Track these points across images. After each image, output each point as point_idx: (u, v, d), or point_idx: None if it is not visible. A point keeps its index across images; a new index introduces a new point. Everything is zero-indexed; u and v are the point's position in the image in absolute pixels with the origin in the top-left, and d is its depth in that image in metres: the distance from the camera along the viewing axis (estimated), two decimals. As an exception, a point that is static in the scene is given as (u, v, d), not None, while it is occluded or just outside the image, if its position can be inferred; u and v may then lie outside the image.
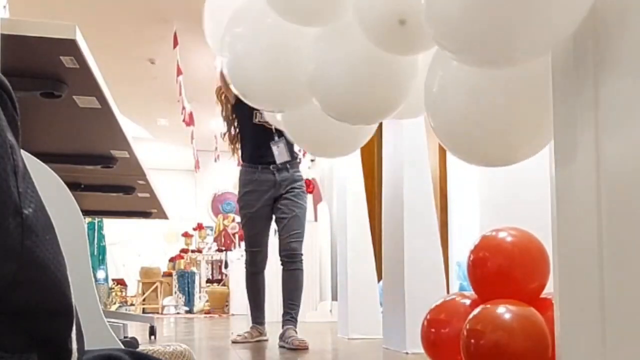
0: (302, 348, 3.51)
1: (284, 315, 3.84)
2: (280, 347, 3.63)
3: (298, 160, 4.00)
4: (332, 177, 6.60)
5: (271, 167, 3.80)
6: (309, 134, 2.26)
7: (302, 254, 3.93)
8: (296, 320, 3.82)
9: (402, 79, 1.78)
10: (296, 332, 3.71)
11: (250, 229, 3.88)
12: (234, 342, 3.91)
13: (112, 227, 10.19)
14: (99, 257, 10.07)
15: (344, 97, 1.80)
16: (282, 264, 3.91)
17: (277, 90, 1.98)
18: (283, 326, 3.79)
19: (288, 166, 3.83)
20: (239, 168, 3.98)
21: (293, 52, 1.91)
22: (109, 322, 1.65)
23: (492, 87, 1.36)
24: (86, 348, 0.57)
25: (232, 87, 2.12)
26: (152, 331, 4.19)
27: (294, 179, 3.85)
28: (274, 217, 3.90)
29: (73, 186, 2.80)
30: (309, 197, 6.93)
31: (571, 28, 1.03)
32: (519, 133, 1.41)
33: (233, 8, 2.04)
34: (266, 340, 3.94)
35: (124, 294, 10.45)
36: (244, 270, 4.02)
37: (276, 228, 3.97)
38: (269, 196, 3.81)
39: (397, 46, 1.56)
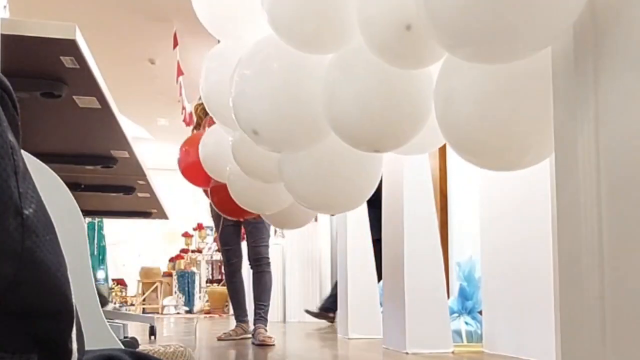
0: (267, 343, 3.81)
1: (254, 314, 4.11)
2: (252, 343, 3.95)
3: None
4: (332, 177, 6.58)
5: None
6: (311, 191, 2.17)
7: (268, 258, 4.18)
8: (265, 319, 4.09)
9: (421, 103, 1.73)
10: (265, 330, 4.00)
11: (220, 229, 4.23)
12: (219, 339, 4.15)
13: (112, 227, 10.18)
14: (99, 257, 10.05)
15: (364, 126, 1.73)
16: (251, 268, 4.19)
17: (288, 129, 1.92)
18: (254, 324, 4.07)
19: None
20: None
21: (302, 89, 1.87)
22: (109, 322, 1.65)
23: (500, 94, 1.37)
24: (86, 348, 0.57)
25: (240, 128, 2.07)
26: (152, 331, 4.19)
27: None
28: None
29: (73, 186, 2.80)
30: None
31: (572, 18, 1.03)
32: (527, 139, 1.41)
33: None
34: (250, 337, 4.13)
35: (124, 294, 10.45)
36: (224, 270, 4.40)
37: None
38: None
39: (404, 55, 1.53)
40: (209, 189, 3.25)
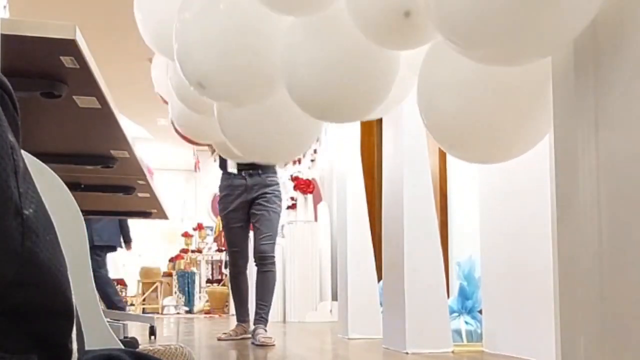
0: (268, 344, 3.77)
1: (255, 314, 4.07)
2: (252, 344, 3.89)
3: (272, 165, 4.22)
4: (332, 177, 6.60)
5: (242, 172, 4.10)
6: (250, 141, 2.06)
7: (273, 256, 4.14)
8: (266, 319, 4.06)
9: (386, 74, 1.69)
10: (265, 330, 3.97)
11: (228, 230, 4.17)
12: (219, 339, 4.14)
13: (112, 227, 10.17)
14: (99, 257, 10.04)
15: (322, 95, 1.68)
16: (256, 266, 4.14)
17: (238, 82, 1.76)
18: (254, 324, 4.04)
19: (260, 171, 4.09)
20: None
21: (255, 39, 1.73)
22: (109, 322, 1.65)
23: (484, 85, 1.36)
24: (86, 348, 0.57)
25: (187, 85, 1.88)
26: (152, 331, 4.20)
27: (266, 183, 4.12)
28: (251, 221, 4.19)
29: (73, 186, 2.79)
30: (309, 198, 6.94)
31: (580, 28, 1.03)
32: (512, 129, 1.41)
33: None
34: (250, 337, 4.12)
35: (124, 294, 10.44)
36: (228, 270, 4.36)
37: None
38: (242, 199, 4.08)
39: (399, 40, 1.49)
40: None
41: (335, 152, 5.20)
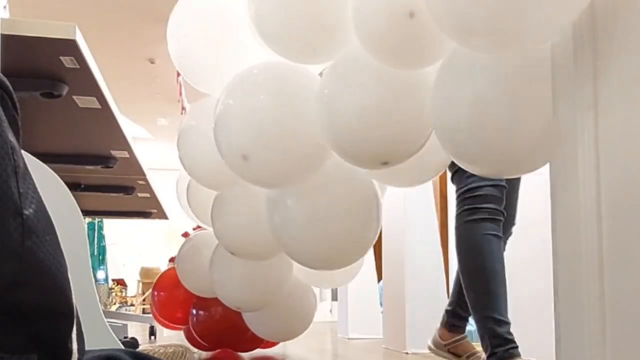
0: None
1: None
2: None
3: None
4: (332, 177, 6.58)
5: None
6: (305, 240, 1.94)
7: None
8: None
9: (426, 107, 1.60)
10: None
11: None
12: None
13: (112, 227, 10.19)
14: (99, 257, 10.06)
15: (364, 134, 1.60)
16: None
17: (280, 152, 1.73)
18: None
19: None
20: None
21: (294, 110, 1.71)
22: (109, 322, 1.65)
23: (497, 99, 1.35)
24: (86, 348, 0.57)
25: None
26: (152, 331, 4.20)
27: None
28: None
29: (73, 186, 2.80)
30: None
31: (578, 10, 1.02)
32: (524, 145, 1.40)
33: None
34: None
35: (124, 294, 10.44)
36: None
37: None
38: None
39: (406, 49, 1.44)
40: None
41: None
